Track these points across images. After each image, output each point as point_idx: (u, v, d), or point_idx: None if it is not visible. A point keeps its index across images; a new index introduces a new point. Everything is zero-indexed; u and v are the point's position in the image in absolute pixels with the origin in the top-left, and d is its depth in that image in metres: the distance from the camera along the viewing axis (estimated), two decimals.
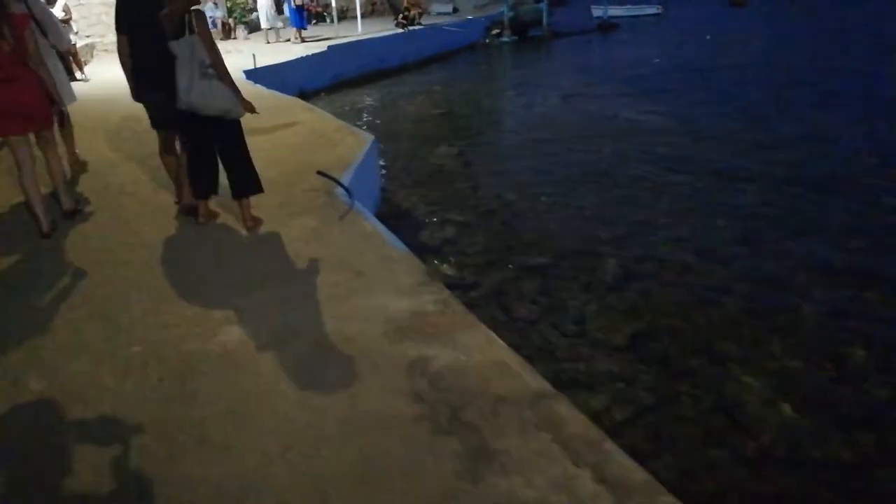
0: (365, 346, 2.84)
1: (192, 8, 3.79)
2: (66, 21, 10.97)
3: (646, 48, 20.88)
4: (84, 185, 5.52)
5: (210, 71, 3.80)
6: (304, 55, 13.56)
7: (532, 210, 6.58)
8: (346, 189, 4.91)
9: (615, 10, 33.60)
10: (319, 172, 5.19)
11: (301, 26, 15.55)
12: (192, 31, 3.73)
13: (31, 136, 4.38)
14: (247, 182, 4.23)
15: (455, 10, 24.73)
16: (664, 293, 4.76)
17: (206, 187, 4.34)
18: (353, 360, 2.73)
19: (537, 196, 6.93)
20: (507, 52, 22.43)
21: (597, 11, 32.43)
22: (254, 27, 18.42)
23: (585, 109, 11.66)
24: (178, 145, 4.66)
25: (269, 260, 3.86)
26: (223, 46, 15.26)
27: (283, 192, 5.00)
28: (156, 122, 4.51)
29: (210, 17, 17.12)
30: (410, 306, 3.17)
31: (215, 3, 17.08)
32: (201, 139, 4.14)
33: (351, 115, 11.46)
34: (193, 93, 3.76)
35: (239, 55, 13.75)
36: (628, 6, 34.48)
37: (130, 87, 4.39)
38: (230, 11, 17.65)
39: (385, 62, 17.15)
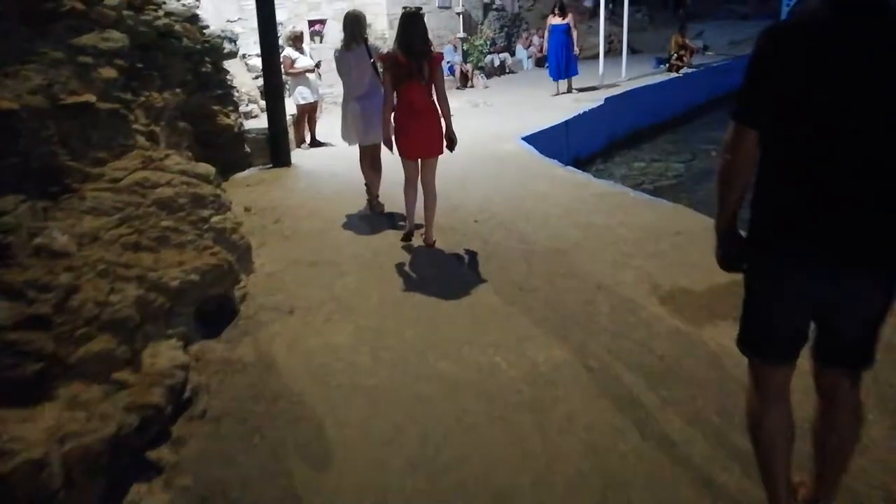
0: None
1: None
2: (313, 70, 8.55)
3: None
4: None
5: None
6: (579, 112, 10.26)
7: None
8: None
9: None
10: None
11: (573, 73, 11.99)
12: None
13: None
14: None
15: (706, 48, 20.50)
16: None
17: None
18: None
19: None
20: None
21: None
22: (489, 72, 15.66)
23: None
24: None
25: None
26: (465, 98, 12.56)
27: None
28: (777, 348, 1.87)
29: (448, 63, 14.64)
30: None
31: (454, 47, 14.52)
32: None
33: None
34: None
35: (498, 114, 10.75)
36: None
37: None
38: (466, 55, 15.02)
39: (659, 115, 13.44)
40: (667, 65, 14.90)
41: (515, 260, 4.16)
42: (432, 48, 4.22)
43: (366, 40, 5.25)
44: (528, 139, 8.50)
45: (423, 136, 4.22)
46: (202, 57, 6.44)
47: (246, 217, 5.49)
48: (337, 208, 5.70)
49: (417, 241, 4.59)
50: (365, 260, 4.36)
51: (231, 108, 7.17)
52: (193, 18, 6.12)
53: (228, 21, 10.67)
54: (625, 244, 4.30)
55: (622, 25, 15.25)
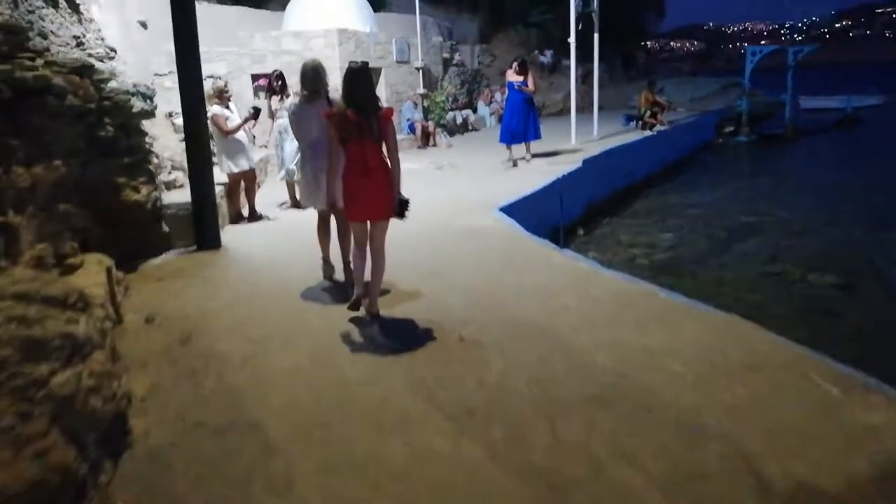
0: None
1: None
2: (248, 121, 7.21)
3: None
4: None
5: None
6: (558, 176, 9.17)
7: None
8: None
9: (823, 102, 28.15)
10: None
11: (533, 137, 10.19)
12: None
13: None
14: None
15: (669, 104, 20.19)
16: None
17: None
18: None
19: None
20: (763, 157, 17.32)
21: (807, 103, 26.91)
22: (451, 129, 14.65)
23: None
24: None
25: None
26: (428, 159, 11.34)
27: None
28: None
29: (408, 120, 13.56)
30: None
31: (414, 103, 13.45)
32: None
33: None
34: None
35: (466, 178, 9.58)
36: (839, 97, 28.59)
37: None
38: (427, 112, 13.96)
39: (634, 175, 12.58)
40: (638, 122, 14.16)
41: (531, 420, 2.80)
42: (380, 103, 4.01)
43: (327, 93, 4.86)
44: (507, 210, 7.30)
45: (374, 196, 3.97)
46: (100, 118, 5.04)
47: (143, 333, 4.04)
48: (273, 313, 4.29)
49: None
50: (304, 416, 2.93)
51: (143, 178, 5.74)
52: (86, 70, 4.73)
53: (157, 75, 9.31)
54: (682, 386, 3.00)
55: (587, 82, 14.60)
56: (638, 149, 12.77)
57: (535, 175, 9.30)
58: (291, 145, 7.46)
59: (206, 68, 10.41)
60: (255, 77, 11.17)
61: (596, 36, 12.79)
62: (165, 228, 6.06)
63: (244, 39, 11.79)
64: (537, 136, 10.45)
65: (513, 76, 10.18)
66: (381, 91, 13.38)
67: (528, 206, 7.85)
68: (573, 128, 12.32)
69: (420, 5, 14.67)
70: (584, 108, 19.00)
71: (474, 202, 7.67)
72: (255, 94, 11.25)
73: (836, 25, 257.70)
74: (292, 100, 7.46)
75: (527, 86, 9.95)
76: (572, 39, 11.78)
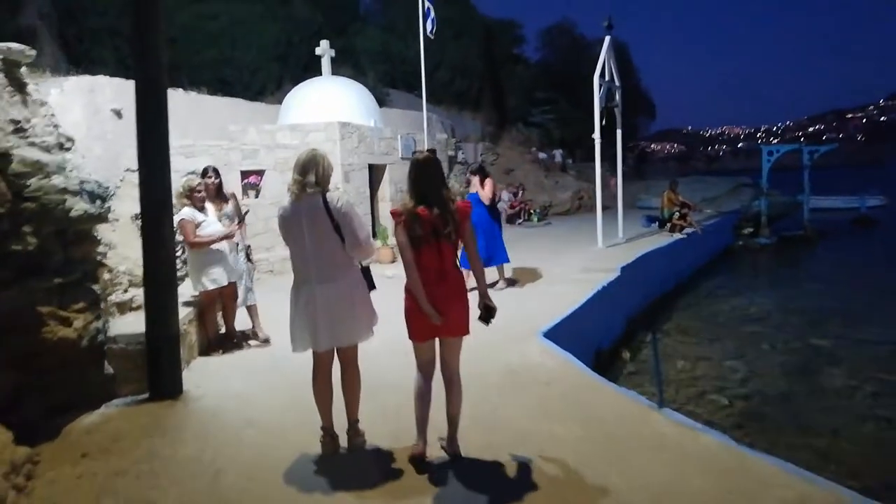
0: None
1: None
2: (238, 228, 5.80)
3: None
4: None
5: None
6: (599, 287, 7.75)
7: None
8: None
9: (830, 202, 27.67)
10: None
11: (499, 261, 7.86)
12: None
13: None
14: None
15: (695, 204, 19.40)
16: None
17: None
18: None
19: None
20: (791, 260, 16.13)
21: (812, 203, 26.44)
22: None
23: None
24: None
25: None
26: None
27: None
28: None
29: None
30: None
31: None
32: None
33: None
34: None
35: (514, 295, 8.10)
36: (845, 197, 28.16)
37: None
38: None
39: (667, 283, 11.22)
40: (665, 224, 12.95)
41: None
42: (455, 199, 3.34)
43: (325, 191, 3.50)
44: (552, 335, 5.80)
45: (454, 308, 3.30)
46: (17, 225, 3.60)
47: None
48: None
49: None
50: None
51: (81, 304, 4.21)
52: None
53: (127, 170, 8.02)
54: None
55: (591, 180, 13.63)
56: (671, 253, 11.51)
57: (563, 286, 7.90)
58: (240, 261, 5.90)
59: (190, 163, 9.23)
60: (244, 174, 9.94)
61: (619, 132, 11.89)
62: (109, 370, 4.48)
63: (235, 133, 10.67)
64: (502, 259, 7.96)
65: (471, 186, 7.87)
66: (386, 188, 12.20)
67: (573, 326, 6.38)
68: (599, 230, 11.08)
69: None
70: (592, 207, 17.99)
71: (508, 323, 6.16)
72: (245, 192, 10.00)
73: (809, 129, 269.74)
74: (232, 205, 6.00)
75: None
76: (597, 135, 10.78)
